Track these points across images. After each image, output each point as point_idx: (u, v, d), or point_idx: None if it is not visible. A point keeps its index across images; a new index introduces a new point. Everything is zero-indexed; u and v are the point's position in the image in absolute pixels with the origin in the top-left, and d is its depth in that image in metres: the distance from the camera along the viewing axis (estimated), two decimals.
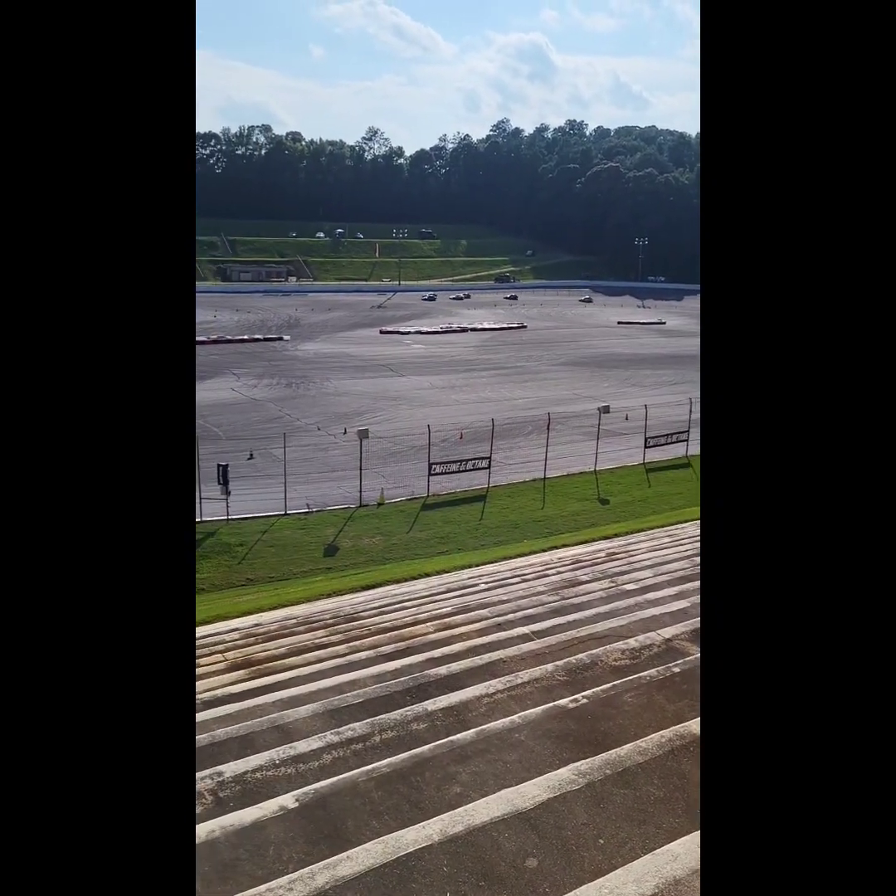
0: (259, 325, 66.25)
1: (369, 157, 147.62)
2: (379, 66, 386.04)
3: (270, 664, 7.08)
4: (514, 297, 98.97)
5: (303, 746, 4.08)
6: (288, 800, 3.42)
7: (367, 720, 4.34)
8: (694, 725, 3.76)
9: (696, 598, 6.85)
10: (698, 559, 9.39)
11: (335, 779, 3.60)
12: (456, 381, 43.65)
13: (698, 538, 12.04)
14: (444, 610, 8.99)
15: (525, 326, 70.97)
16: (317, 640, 8.18)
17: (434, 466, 23.78)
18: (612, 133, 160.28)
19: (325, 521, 20.69)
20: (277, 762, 3.92)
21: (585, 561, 12.64)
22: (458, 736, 3.96)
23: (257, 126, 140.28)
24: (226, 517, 20.20)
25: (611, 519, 21.00)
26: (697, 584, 7.47)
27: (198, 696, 5.76)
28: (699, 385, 1.89)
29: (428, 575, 14.77)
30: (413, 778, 3.59)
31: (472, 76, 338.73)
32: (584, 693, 4.43)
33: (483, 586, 11.27)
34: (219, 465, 20.59)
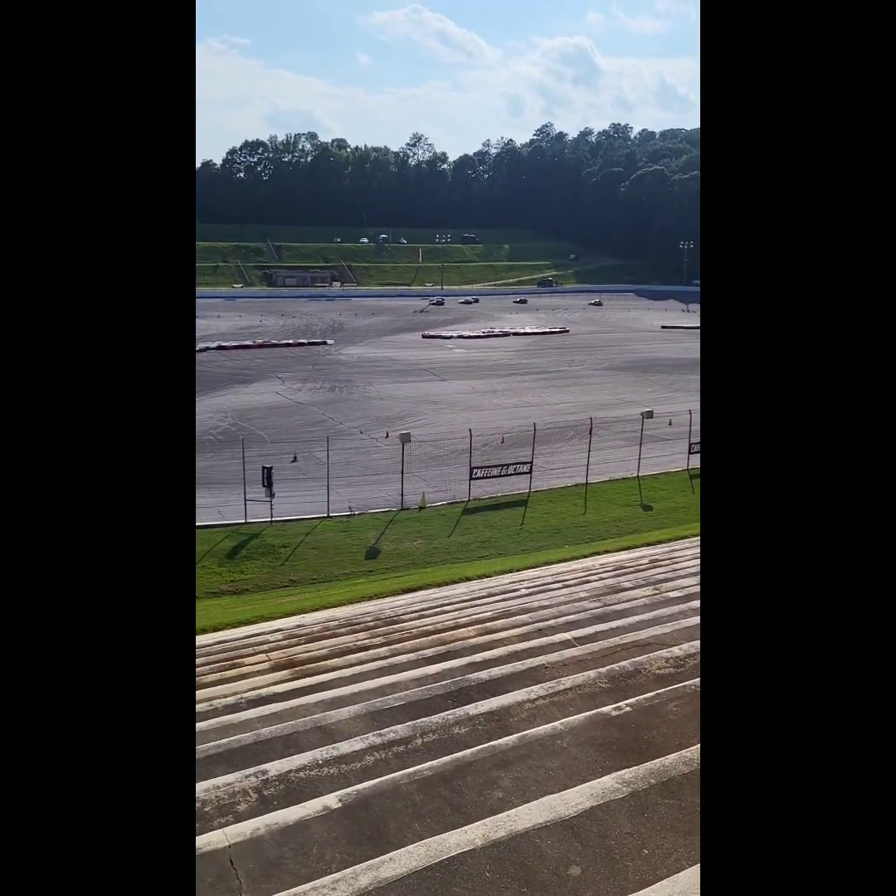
0: (303, 330, 67.00)
1: (413, 163, 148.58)
2: (423, 73, 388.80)
3: (313, 665, 7.14)
4: (524, 301, 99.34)
5: (345, 747, 4.11)
6: (331, 800, 3.45)
7: (409, 723, 4.36)
8: None
9: None
10: None
11: (377, 780, 3.62)
12: (497, 385, 43.57)
13: None
14: (486, 614, 8.97)
15: (568, 331, 70.59)
16: (359, 642, 8.22)
17: (475, 470, 23.76)
18: (658, 136, 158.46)
19: (367, 524, 20.83)
20: (320, 762, 3.96)
21: (628, 567, 12.49)
22: (500, 741, 3.95)
23: (303, 133, 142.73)
24: (270, 519, 20.47)
25: (653, 525, 20.73)
26: None
27: (243, 695, 5.84)
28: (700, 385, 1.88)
29: (469, 579, 14.76)
30: (455, 782, 3.59)
31: (515, 81, 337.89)
32: (627, 701, 4.39)
33: (524, 591, 11.22)
34: (263, 468, 20.89)
